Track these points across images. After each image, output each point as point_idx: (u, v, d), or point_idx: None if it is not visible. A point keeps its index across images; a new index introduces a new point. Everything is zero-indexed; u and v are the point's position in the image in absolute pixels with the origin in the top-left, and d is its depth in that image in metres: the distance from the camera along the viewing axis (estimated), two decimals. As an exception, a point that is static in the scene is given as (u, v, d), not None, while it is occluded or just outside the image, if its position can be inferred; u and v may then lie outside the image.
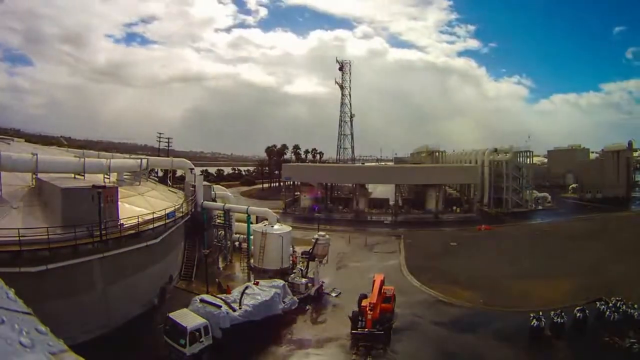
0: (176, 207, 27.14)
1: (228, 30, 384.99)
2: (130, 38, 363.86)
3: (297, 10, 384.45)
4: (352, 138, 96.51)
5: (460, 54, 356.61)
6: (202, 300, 19.80)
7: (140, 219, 22.35)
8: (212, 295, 21.90)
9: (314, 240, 27.32)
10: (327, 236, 28.33)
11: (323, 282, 27.30)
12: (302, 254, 28.78)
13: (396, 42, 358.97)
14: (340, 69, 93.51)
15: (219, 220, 34.46)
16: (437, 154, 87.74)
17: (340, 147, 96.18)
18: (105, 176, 27.07)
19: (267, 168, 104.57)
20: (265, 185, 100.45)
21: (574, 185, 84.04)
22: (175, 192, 34.49)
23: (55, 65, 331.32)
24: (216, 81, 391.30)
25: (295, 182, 70.70)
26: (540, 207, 66.64)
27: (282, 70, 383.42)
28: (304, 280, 25.96)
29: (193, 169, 36.64)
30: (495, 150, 71.64)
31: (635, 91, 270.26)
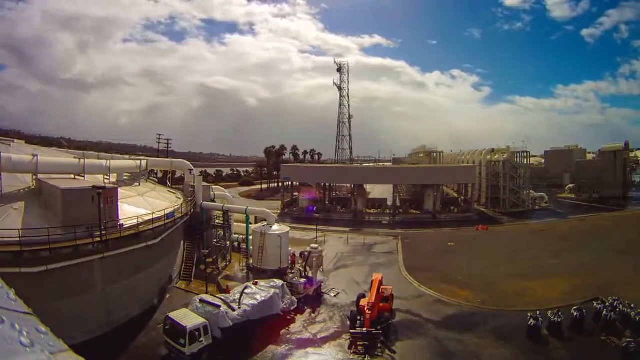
0: (175, 207, 27.19)
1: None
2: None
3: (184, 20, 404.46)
4: (351, 139, 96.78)
5: (368, 50, 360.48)
6: (201, 300, 19.89)
7: (140, 220, 22.42)
8: (211, 295, 22.03)
9: (306, 254, 27.25)
10: (319, 248, 28.17)
11: (322, 282, 27.36)
12: (301, 254, 28.84)
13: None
14: (339, 70, 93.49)
15: (218, 221, 34.48)
16: (435, 154, 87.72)
17: (339, 148, 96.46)
18: (105, 177, 27.18)
19: (265, 169, 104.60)
20: (264, 185, 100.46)
21: (571, 185, 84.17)
22: (175, 193, 34.52)
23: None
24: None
25: (294, 183, 70.76)
26: (537, 207, 66.63)
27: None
28: (302, 280, 26.03)
29: (192, 169, 36.68)
30: (493, 150, 71.74)
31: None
